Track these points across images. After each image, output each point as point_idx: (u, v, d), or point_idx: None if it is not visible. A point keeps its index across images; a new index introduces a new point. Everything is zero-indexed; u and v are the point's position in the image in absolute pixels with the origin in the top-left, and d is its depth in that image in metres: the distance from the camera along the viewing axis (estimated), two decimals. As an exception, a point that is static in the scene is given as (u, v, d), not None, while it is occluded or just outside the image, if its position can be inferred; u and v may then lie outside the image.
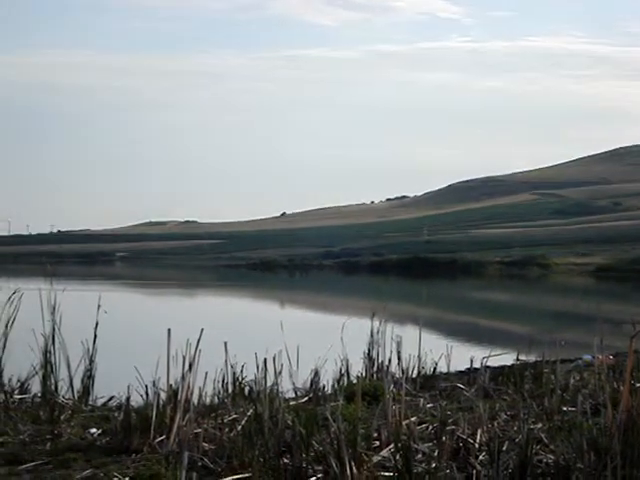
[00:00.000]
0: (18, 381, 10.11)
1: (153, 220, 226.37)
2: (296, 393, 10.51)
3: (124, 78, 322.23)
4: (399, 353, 11.90)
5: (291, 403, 9.21)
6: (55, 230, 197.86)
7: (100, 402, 10.13)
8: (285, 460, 6.70)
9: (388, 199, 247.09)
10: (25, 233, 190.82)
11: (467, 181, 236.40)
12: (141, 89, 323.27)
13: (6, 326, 9.94)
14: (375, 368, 11.75)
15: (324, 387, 10.67)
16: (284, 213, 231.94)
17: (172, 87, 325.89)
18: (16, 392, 9.94)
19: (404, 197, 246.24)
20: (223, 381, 10.23)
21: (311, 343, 12.04)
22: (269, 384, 8.23)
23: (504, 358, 13.01)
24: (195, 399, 8.18)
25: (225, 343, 9.21)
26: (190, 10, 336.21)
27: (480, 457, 6.86)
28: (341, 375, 11.48)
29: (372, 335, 11.92)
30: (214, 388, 9.91)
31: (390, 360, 11.71)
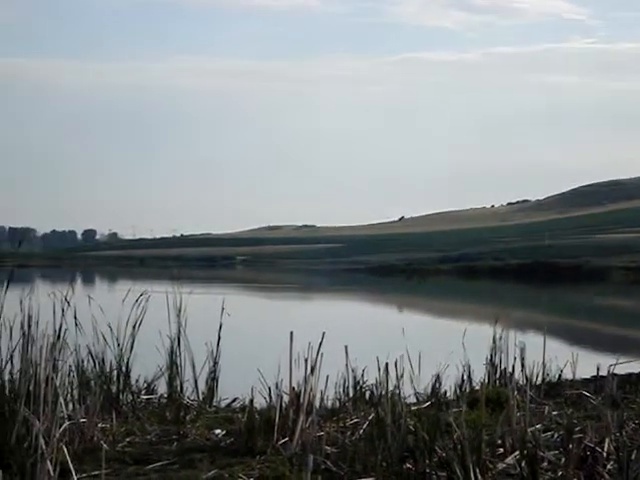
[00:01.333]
0: (145, 382, 10.35)
1: (271, 224, 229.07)
2: (417, 398, 10.45)
3: (248, 82, 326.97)
4: (522, 360, 11.71)
5: (412, 408, 9.16)
6: (178, 234, 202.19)
7: (224, 403, 10.29)
8: (408, 465, 6.67)
9: (509, 203, 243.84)
10: (149, 237, 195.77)
11: (591, 185, 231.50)
12: (262, 93, 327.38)
13: (134, 327, 10.19)
14: (498, 375, 11.60)
15: (446, 393, 10.59)
16: (402, 217, 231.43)
17: (293, 91, 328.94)
18: (143, 392, 10.19)
19: (525, 201, 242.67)
20: (344, 385, 10.26)
21: (431, 348, 11.97)
22: (390, 388, 8.22)
23: (632, 366, 12.68)
24: (317, 402, 8.24)
25: (346, 347, 9.24)
26: (309, 14, 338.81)
27: (608, 466, 6.70)
28: (463, 381, 11.38)
29: (494, 341, 11.77)
30: (335, 391, 9.95)
31: (513, 367, 11.54)
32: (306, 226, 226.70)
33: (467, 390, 10.92)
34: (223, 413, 9.57)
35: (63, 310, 8.79)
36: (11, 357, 8.07)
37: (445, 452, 6.52)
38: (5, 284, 8.26)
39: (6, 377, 7.97)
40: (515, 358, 11.68)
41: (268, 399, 8.48)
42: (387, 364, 8.31)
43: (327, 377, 8.49)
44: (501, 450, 7.21)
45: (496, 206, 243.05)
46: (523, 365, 11.71)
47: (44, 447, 6.06)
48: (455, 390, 11.04)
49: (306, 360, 8.04)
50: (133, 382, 10.15)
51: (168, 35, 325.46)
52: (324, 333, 8.07)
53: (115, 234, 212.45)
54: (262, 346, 17.19)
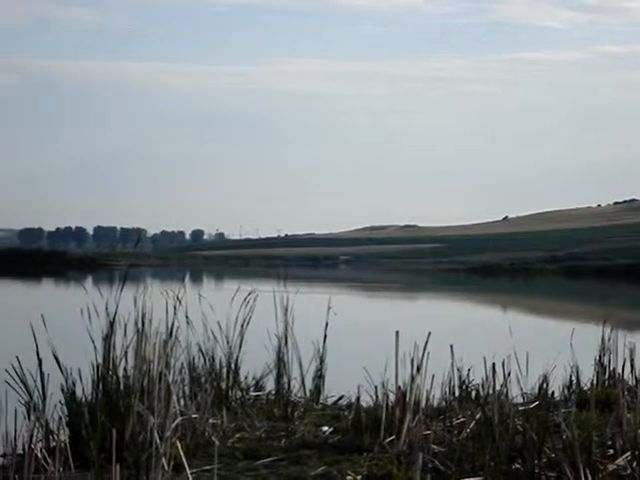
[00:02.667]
0: (253, 379, 10.53)
1: (374, 225, 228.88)
2: (524, 398, 10.37)
3: (350, 84, 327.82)
4: (632, 360, 11.50)
5: (520, 408, 9.10)
6: (282, 234, 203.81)
7: (330, 401, 10.40)
8: (516, 465, 6.66)
9: (615, 202, 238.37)
10: (255, 237, 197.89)
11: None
12: (364, 95, 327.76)
13: (242, 326, 10.38)
14: (607, 375, 11.42)
15: (553, 393, 10.48)
16: (506, 217, 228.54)
17: (396, 92, 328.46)
18: (252, 389, 10.38)
19: (633, 200, 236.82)
20: (450, 384, 10.24)
21: (538, 348, 11.84)
22: (497, 388, 8.18)
23: None
24: (423, 401, 8.27)
25: (451, 346, 9.23)
26: (412, 15, 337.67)
27: None
28: (571, 382, 11.23)
29: (603, 341, 11.58)
30: (441, 391, 9.94)
31: (623, 367, 11.34)
32: (409, 226, 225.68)
33: (575, 391, 10.78)
34: (330, 410, 9.68)
35: (175, 308, 9.00)
36: (125, 354, 8.31)
37: (555, 452, 6.48)
38: (120, 283, 8.52)
39: (120, 373, 8.21)
40: (625, 359, 11.48)
41: (374, 397, 8.55)
42: (494, 364, 8.28)
43: (433, 376, 8.51)
44: (611, 451, 7.12)
45: (602, 205, 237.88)
46: (633, 366, 11.49)
47: (158, 442, 6.24)
48: (563, 391, 10.91)
49: (412, 359, 8.09)
50: (242, 379, 10.34)
51: (268, 38, 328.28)
52: (430, 333, 8.10)
53: (222, 234, 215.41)
54: (367, 345, 17.24)
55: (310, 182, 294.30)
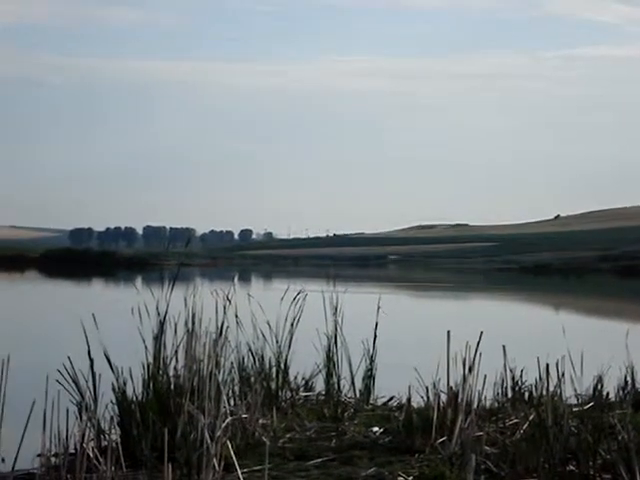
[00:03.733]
0: (303, 379, 10.49)
1: (423, 223, 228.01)
2: (578, 399, 10.21)
3: (405, 81, 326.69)
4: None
5: (574, 409, 8.96)
6: (331, 234, 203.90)
7: (381, 402, 10.33)
8: (571, 467, 6.55)
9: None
10: (303, 236, 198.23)
11: None
12: (419, 92, 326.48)
13: (291, 325, 10.35)
14: (663, 376, 11.21)
15: (608, 394, 10.31)
16: (558, 215, 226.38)
17: (450, 89, 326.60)
18: (301, 389, 10.34)
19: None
20: (502, 385, 10.12)
21: (592, 349, 11.67)
22: (551, 389, 8.06)
23: None
24: (475, 402, 8.17)
25: (503, 347, 9.12)
26: (464, 11, 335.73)
27: None
28: (626, 383, 11.04)
29: (658, 341, 11.37)
30: (493, 391, 9.83)
31: (680, 368, 11.13)
32: (459, 225, 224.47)
33: (631, 392, 10.60)
34: (380, 411, 9.61)
35: (225, 308, 8.99)
36: (176, 353, 8.32)
37: (610, 454, 6.36)
38: (170, 283, 8.53)
39: (171, 373, 8.22)
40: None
41: (425, 398, 8.46)
42: (547, 364, 8.16)
43: (485, 377, 8.40)
44: (668, 454, 6.97)
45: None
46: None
47: (209, 442, 6.22)
48: (618, 392, 10.73)
49: (464, 359, 8.00)
50: (291, 379, 10.31)
51: (320, 35, 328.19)
52: (482, 332, 8.00)
53: (270, 234, 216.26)
54: (418, 345, 17.15)
55: (360, 181, 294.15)
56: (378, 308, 10.71)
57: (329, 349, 10.36)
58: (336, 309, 10.56)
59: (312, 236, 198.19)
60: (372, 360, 10.51)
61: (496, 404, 9.59)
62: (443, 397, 8.03)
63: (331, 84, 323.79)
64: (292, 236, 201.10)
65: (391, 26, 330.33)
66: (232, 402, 8.80)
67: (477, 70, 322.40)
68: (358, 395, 10.37)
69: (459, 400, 7.75)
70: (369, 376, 10.47)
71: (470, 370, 7.92)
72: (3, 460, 5.93)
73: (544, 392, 7.83)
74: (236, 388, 9.54)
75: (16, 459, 6.39)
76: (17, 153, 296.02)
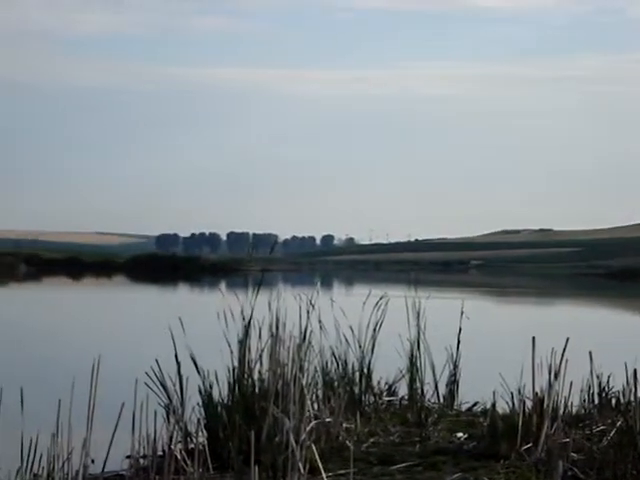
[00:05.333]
0: (386, 384, 10.49)
1: (507, 228, 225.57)
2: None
3: (480, 86, 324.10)
4: None
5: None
6: (412, 239, 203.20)
7: (465, 407, 10.28)
8: (660, 476, 6.43)
9: None
10: (385, 242, 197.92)
11: None
12: (495, 96, 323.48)
13: (374, 330, 10.36)
14: None
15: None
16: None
17: (527, 93, 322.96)
18: (384, 394, 10.34)
19: None
20: (589, 391, 9.98)
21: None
22: (639, 395, 7.92)
23: None
24: (561, 408, 8.08)
25: (590, 353, 9.00)
26: (545, 15, 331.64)
27: None
28: None
29: None
30: (580, 398, 9.70)
31: None
32: (543, 230, 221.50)
33: None
34: (464, 417, 9.57)
35: (308, 312, 9.04)
36: (260, 357, 8.40)
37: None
38: (255, 288, 8.63)
39: (255, 376, 8.31)
40: None
41: (510, 404, 8.40)
42: (635, 370, 8.02)
43: (571, 383, 8.30)
44: None
45: None
46: None
47: (294, 445, 6.28)
48: None
49: (550, 365, 7.91)
50: (375, 384, 10.32)
51: (395, 41, 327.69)
52: (568, 339, 7.91)
53: (352, 239, 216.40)
54: (502, 350, 17.00)
55: (441, 186, 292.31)
56: (462, 313, 10.66)
57: (412, 354, 10.33)
58: (419, 314, 10.54)
59: (393, 241, 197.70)
60: (456, 365, 10.46)
61: (582, 410, 9.47)
62: (528, 403, 7.95)
63: (411, 89, 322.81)
64: (373, 241, 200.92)
65: (466, 30, 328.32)
66: (316, 406, 8.84)
67: (552, 73, 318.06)
68: (442, 400, 10.34)
69: (545, 406, 7.67)
70: (453, 381, 10.42)
71: (556, 376, 7.84)
72: (93, 461, 6.06)
73: (632, 398, 7.69)
74: (319, 392, 9.57)
75: (106, 461, 6.53)
76: (105, 160, 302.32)
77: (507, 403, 8.48)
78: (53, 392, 5.95)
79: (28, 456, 6.34)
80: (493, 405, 8.33)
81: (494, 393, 8.55)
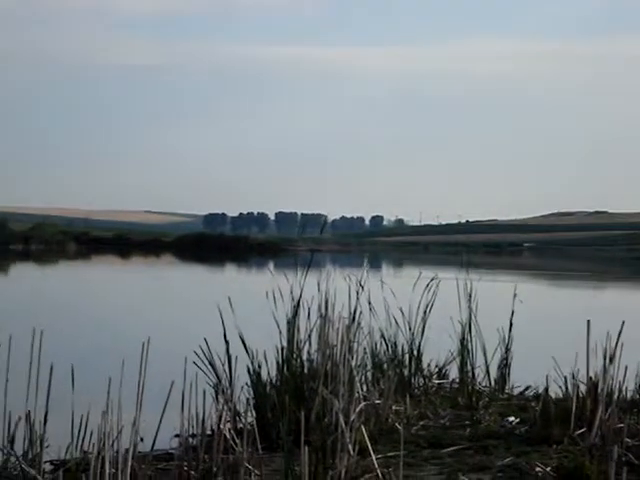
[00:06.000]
0: (436, 366, 10.40)
1: (561, 210, 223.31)
2: None
3: (547, 65, 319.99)
4: None
5: None
6: (463, 220, 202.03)
7: (516, 391, 10.14)
8: None
9: None
10: (435, 223, 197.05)
11: None
12: (561, 76, 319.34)
13: (424, 312, 10.27)
14: None
15: None
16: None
17: (595, 72, 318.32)
18: (434, 377, 10.24)
19: None
20: (644, 376, 9.80)
21: None
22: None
23: None
24: (615, 393, 7.93)
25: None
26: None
27: None
28: None
29: None
30: (635, 383, 9.52)
31: None
32: (598, 212, 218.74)
33: None
34: (516, 401, 9.45)
35: (357, 294, 8.97)
36: (309, 337, 8.35)
37: None
38: (304, 268, 8.57)
39: (304, 357, 8.26)
40: None
41: (564, 388, 8.27)
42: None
43: (626, 367, 8.14)
44: None
45: None
46: None
47: (344, 426, 6.22)
48: None
49: (604, 349, 7.76)
50: (425, 366, 10.23)
51: (459, 18, 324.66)
52: (623, 322, 7.75)
53: (401, 220, 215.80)
54: (555, 334, 16.80)
55: (494, 167, 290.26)
56: (514, 296, 10.51)
57: (463, 337, 10.22)
58: (470, 296, 10.41)
59: (444, 223, 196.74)
60: (508, 349, 10.33)
61: (638, 395, 9.29)
62: (582, 387, 7.83)
63: (474, 66, 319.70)
64: (423, 222, 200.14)
65: (535, 7, 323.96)
66: (365, 388, 8.78)
67: (623, 52, 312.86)
68: (493, 384, 10.21)
69: (599, 391, 7.53)
70: (504, 365, 10.29)
71: (611, 360, 7.69)
72: (142, 440, 6.06)
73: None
74: (369, 374, 9.51)
75: (155, 439, 6.53)
76: (154, 139, 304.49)
77: (560, 387, 8.36)
78: (103, 370, 5.94)
79: (79, 433, 6.37)
80: (546, 389, 8.21)
81: (547, 377, 8.42)
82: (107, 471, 5.01)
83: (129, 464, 5.09)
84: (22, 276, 43.58)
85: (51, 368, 5.85)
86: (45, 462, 6.33)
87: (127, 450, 5.33)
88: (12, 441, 6.01)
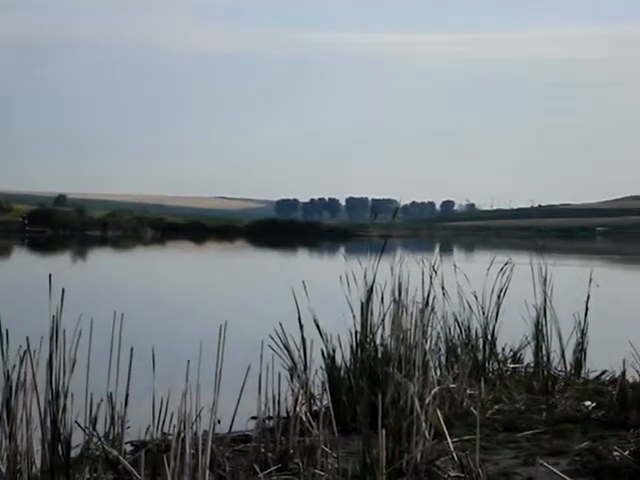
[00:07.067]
0: (511, 350, 10.35)
1: (636, 194, 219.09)
2: None
3: (624, 49, 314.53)
4: None
5: None
6: (536, 204, 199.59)
7: (592, 375, 10.05)
8: None
9: None
10: (506, 208, 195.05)
11: None
12: (625, 58, 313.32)
13: (498, 297, 10.21)
14: None
15: None
16: None
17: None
18: (509, 361, 10.20)
19: None
20: None
21: None
22: None
23: None
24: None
25: None
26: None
27: None
28: None
29: None
30: None
31: None
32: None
33: None
34: (592, 385, 9.36)
35: (431, 278, 8.97)
36: (382, 321, 8.38)
37: None
38: (376, 253, 8.59)
39: (378, 341, 8.30)
40: None
41: (642, 372, 8.18)
42: None
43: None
44: None
45: None
46: None
47: (419, 410, 6.24)
48: None
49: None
50: (499, 350, 10.18)
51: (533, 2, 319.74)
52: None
53: (472, 205, 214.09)
54: (632, 319, 16.55)
55: (567, 151, 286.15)
56: (590, 280, 10.39)
57: (538, 321, 10.14)
58: (545, 281, 10.33)
59: (515, 207, 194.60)
60: (583, 333, 10.22)
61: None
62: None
63: (541, 50, 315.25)
64: (495, 207, 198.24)
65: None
66: (438, 372, 8.78)
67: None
68: (568, 368, 10.12)
69: (678, 375, 7.43)
70: (580, 349, 10.19)
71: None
72: (219, 422, 6.16)
73: None
74: (442, 358, 9.51)
75: (233, 421, 6.62)
76: (228, 127, 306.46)
77: (637, 372, 8.27)
78: (182, 353, 6.05)
79: (159, 415, 6.50)
80: (623, 373, 8.12)
81: (624, 361, 8.33)
82: (187, 452, 5.10)
83: (209, 445, 5.18)
84: (100, 261, 44.37)
85: (131, 351, 5.96)
86: (126, 443, 6.47)
87: (206, 432, 5.42)
88: (94, 422, 6.15)
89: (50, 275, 5.58)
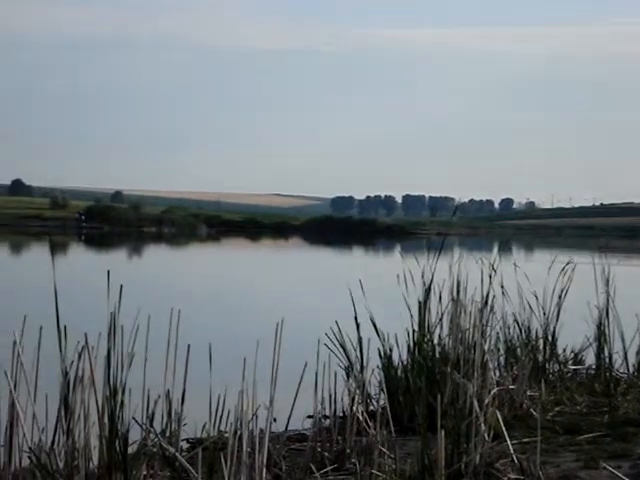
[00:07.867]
0: (572, 352, 10.17)
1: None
2: None
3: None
4: None
5: None
6: (598, 203, 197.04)
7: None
8: None
9: None
10: (567, 206, 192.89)
11: None
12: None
13: (559, 297, 10.05)
14: None
15: None
16: None
17: None
18: (570, 363, 10.03)
19: None
20: None
21: None
22: None
23: None
24: None
25: None
26: None
27: None
28: None
29: None
30: None
31: None
32: None
33: None
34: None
35: (490, 277, 8.85)
36: (440, 321, 8.28)
37: None
38: (434, 252, 8.49)
39: (435, 340, 8.20)
40: None
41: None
42: None
43: None
44: None
45: None
46: None
47: (478, 410, 6.14)
48: None
49: None
50: (560, 351, 10.02)
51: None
52: None
53: (532, 203, 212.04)
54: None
55: (631, 149, 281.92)
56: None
57: (600, 322, 9.95)
58: (608, 281, 10.14)
59: (577, 206, 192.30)
60: (648, 335, 10.01)
61: None
62: None
63: (605, 48, 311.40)
64: (555, 205, 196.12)
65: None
66: (498, 373, 8.66)
67: None
68: (631, 370, 9.92)
69: None
70: (644, 351, 9.98)
71: None
72: (275, 420, 6.13)
73: None
74: (501, 359, 9.38)
75: (289, 419, 6.59)
76: (282, 123, 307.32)
77: (703, 375, 8.06)
78: (238, 351, 6.02)
79: (216, 413, 6.48)
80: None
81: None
82: (244, 450, 5.07)
83: (266, 444, 5.14)
84: (156, 258, 44.74)
85: (188, 348, 5.95)
86: (182, 440, 6.46)
87: (262, 430, 5.38)
88: (151, 419, 6.14)
89: (108, 271, 5.58)
